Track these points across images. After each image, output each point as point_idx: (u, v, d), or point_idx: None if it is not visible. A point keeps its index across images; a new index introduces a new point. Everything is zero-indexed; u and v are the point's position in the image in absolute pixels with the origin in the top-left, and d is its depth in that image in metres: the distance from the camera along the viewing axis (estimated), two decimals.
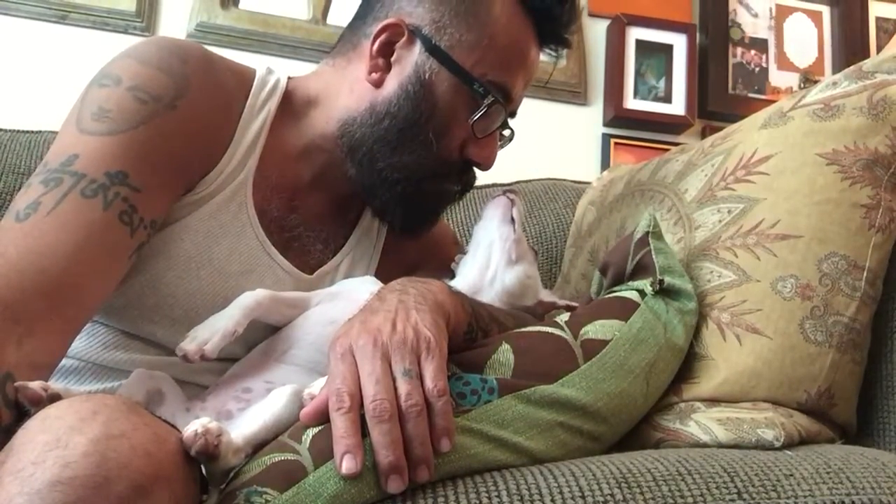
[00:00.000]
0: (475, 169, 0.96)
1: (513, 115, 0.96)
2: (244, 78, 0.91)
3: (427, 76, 0.88)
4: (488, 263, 0.90)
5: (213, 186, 0.85)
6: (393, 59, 0.90)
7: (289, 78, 0.95)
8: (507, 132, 0.97)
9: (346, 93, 0.92)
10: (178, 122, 0.80)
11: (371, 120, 0.90)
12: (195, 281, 0.83)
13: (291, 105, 0.93)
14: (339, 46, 0.98)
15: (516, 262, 0.90)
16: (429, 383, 0.60)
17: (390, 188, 0.92)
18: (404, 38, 0.89)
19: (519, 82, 0.93)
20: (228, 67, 0.90)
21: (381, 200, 0.94)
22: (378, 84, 0.90)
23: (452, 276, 0.94)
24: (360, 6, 0.98)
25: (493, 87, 0.90)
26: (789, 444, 0.72)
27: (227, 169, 0.86)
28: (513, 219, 0.91)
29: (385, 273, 0.97)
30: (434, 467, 0.59)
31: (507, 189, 0.95)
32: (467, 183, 0.97)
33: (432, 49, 0.88)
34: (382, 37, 0.90)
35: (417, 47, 0.89)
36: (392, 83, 0.90)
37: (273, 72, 0.94)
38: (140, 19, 1.86)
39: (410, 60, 0.89)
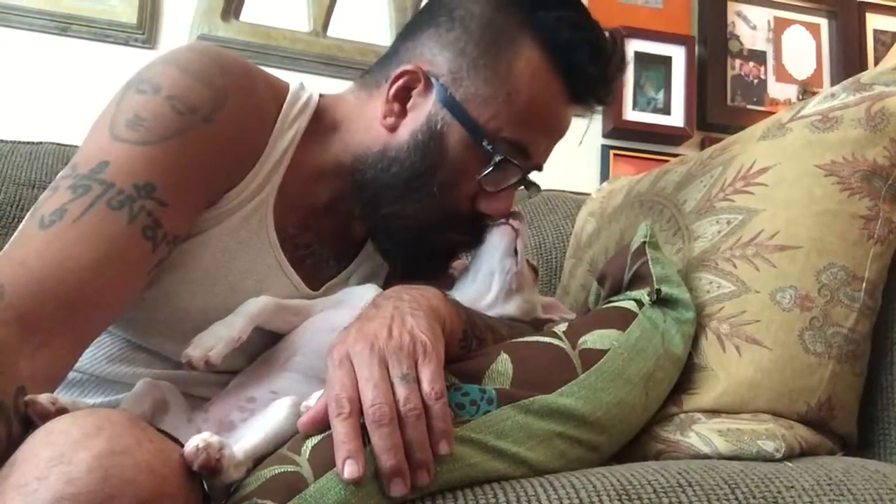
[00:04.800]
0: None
1: (538, 168, 0.94)
2: (278, 92, 0.90)
3: (438, 127, 0.86)
4: (488, 291, 0.89)
5: (236, 202, 0.84)
6: (408, 105, 0.88)
7: (320, 95, 0.94)
8: (531, 185, 0.95)
9: (364, 129, 0.91)
10: (212, 136, 0.79)
11: (381, 164, 0.88)
12: (209, 296, 0.82)
13: (319, 125, 0.92)
14: (367, 77, 0.96)
15: (515, 292, 0.90)
16: (426, 387, 0.60)
17: (392, 234, 0.91)
18: (421, 86, 0.88)
19: (541, 140, 0.91)
20: (266, 81, 0.89)
21: (384, 244, 0.93)
22: (392, 129, 0.89)
23: (451, 282, 0.94)
24: (392, 45, 0.96)
25: (508, 144, 0.87)
26: (790, 456, 0.72)
27: (252, 185, 0.84)
28: (516, 251, 0.90)
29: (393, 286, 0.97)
30: (434, 472, 0.59)
31: (513, 214, 0.92)
32: (478, 234, 0.93)
33: (446, 100, 0.87)
34: (400, 82, 0.88)
35: (433, 96, 0.87)
36: (405, 130, 0.88)
37: (305, 88, 0.93)
38: (141, 31, 1.87)
39: (425, 109, 0.87)
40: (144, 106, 0.77)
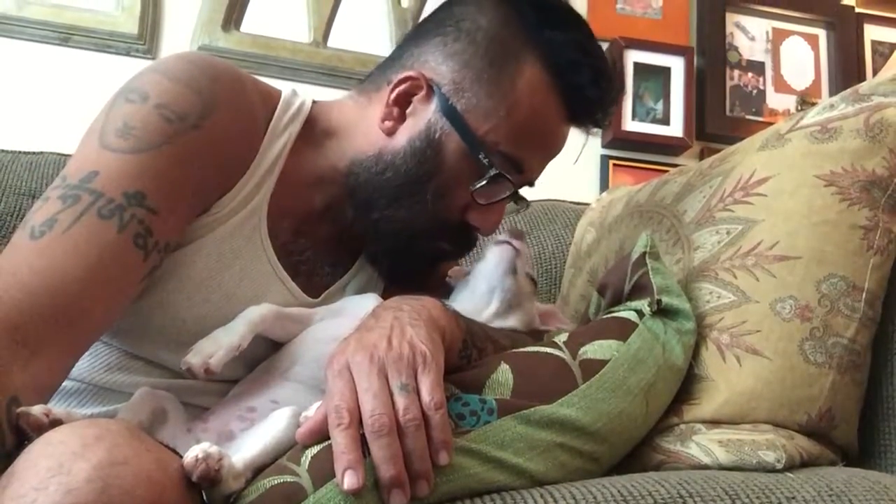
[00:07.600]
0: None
1: (530, 184, 0.95)
2: (270, 98, 0.90)
3: (437, 136, 0.87)
4: (487, 306, 0.89)
5: (228, 208, 0.83)
6: (408, 111, 0.89)
7: (313, 102, 0.94)
8: (521, 200, 0.95)
9: (362, 133, 0.91)
10: (201, 142, 0.78)
11: (375, 168, 0.89)
12: (205, 305, 0.82)
13: (312, 131, 0.92)
14: (366, 82, 0.96)
15: (514, 308, 0.90)
16: (425, 397, 0.60)
17: (382, 238, 0.91)
18: (423, 93, 0.88)
19: (536, 157, 0.92)
20: (257, 87, 0.89)
21: (372, 248, 0.94)
22: (390, 133, 0.89)
23: (448, 291, 0.94)
24: (396, 49, 0.97)
25: (504, 158, 0.88)
26: (791, 467, 0.72)
27: (244, 191, 0.84)
28: (516, 270, 0.90)
29: (392, 295, 0.97)
30: (433, 482, 0.59)
31: (514, 232, 0.93)
32: (466, 244, 0.95)
33: (447, 109, 0.87)
34: (401, 87, 0.89)
35: (434, 104, 0.88)
36: (403, 135, 0.88)
37: (298, 94, 0.93)
38: (142, 42, 1.88)
39: (424, 116, 0.88)
40: (133, 114, 0.77)
